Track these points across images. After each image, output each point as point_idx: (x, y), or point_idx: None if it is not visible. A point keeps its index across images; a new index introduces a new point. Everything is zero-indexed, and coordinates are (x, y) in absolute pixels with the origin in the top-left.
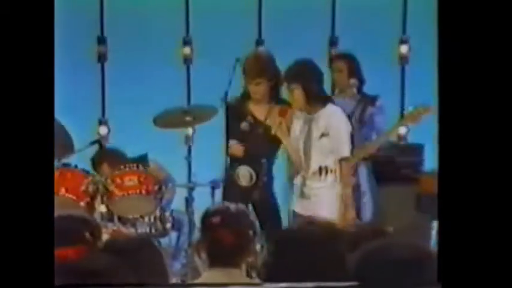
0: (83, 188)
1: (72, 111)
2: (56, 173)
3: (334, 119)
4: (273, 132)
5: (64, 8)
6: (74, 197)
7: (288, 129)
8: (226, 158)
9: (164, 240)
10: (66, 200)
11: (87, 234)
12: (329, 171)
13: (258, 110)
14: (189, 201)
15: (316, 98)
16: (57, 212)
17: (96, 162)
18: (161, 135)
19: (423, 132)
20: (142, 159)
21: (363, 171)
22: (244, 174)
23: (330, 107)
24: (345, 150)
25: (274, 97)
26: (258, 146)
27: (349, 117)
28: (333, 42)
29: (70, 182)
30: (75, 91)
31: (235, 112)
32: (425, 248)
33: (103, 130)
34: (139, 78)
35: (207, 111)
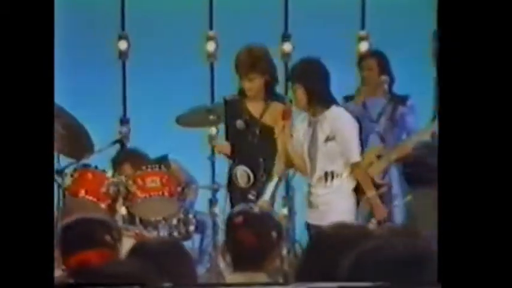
0: (103, 189)
1: (92, 110)
2: (76, 174)
3: (339, 122)
4: (276, 136)
5: (84, 4)
6: (94, 199)
7: (291, 133)
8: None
9: (187, 244)
10: (85, 202)
11: (108, 238)
12: (335, 176)
13: (254, 108)
14: (212, 202)
15: (320, 100)
16: (77, 214)
17: (117, 162)
18: (183, 134)
19: None
20: (163, 160)
21: (394, 173)
22: (242, 175)
23: (334, 109)
24: (354, 155)
25: (270, 94)
26: (254, 145)
27: (380, 116)
28: (361, 38)
29: (90, 183)
30: (95, 89)
31: (232, 110)
32: (425, 247)
33: (124, 129)
34: (161, 75)
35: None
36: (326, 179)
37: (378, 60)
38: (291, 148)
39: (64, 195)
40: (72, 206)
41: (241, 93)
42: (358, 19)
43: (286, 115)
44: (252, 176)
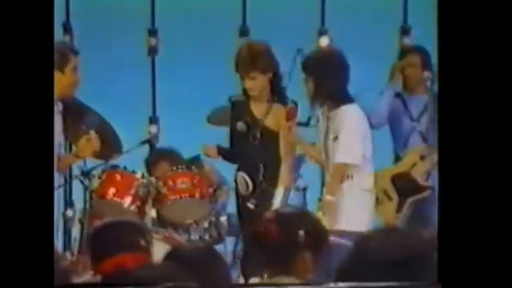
0: (132, 191)
1: (120, 108)
2: (104, 176)
3: (343, 121)
4: (282, 138)
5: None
6: (123, 201)
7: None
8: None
9: (219, 247)
10: (114, 205)
11: (141, 241)
12: (346, 178)
13: (257, 109)
14: None
15: (332, 95)
16: (107, 217)
17: (151, 163)
18: (215, 133)
19: None
20: (195, 160)
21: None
22: (241, 182)
23: (346, 107)
24: (341, 155)
25: (275, 94)
26: (254, 149)
27: (421, 114)
28: (404, 31)
29: (119, 184)
30: (123, 87)
31: (237, 111)
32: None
33: (153, 129)
34: (192, 72)
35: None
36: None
37: (421, 56)
38: (305, 147)
39: (91, 198)
40: (100, 209)
41: (245, 93)
42: (400, 13)
43: (290, 115)
44: (250, 183)
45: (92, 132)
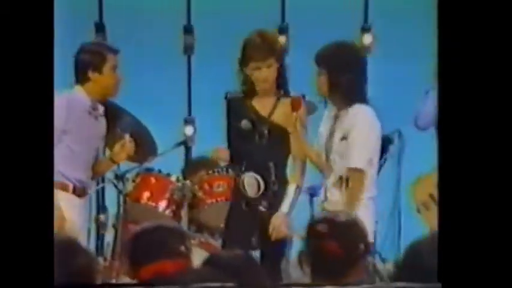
0: (167, 195)
1: (155, 109)
2: (138, 179)
3: (355, 120)
4: (290, 131)
5: None
6: (158, 205)
7: (304, 125)
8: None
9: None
10: (148, 209)
11: (182, 247)
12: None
13: (262, 105)
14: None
15: (344, 92)
16: (140, 222)
17: (192, 165)
18: None
19: None
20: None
21: None
22: (251, 183)
23: (357, 107)
24: (357, 159)
25: (281, 87)
26: (262, 148)
27: None
28: None
29: (153, 188)
30: (158, 87)
31: (236, 109)
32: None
33: (189, 130)
34: (229, 72)
35: (305, 108)
36: (341, 185)
37: None
38: (306, 145)
39: (125, 202)
40: (134, 213)
41: (246, 89)
42: None
43: (296, 105)
44: (262, 183)
45: (127, 136)
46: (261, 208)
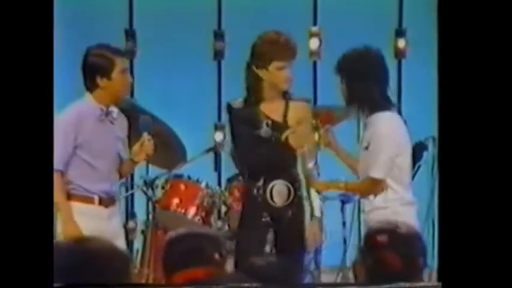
0: (197, 201)
1: (184, 115)
2: (167, 186)
3: (377, 129)
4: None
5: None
6: (187, 212)
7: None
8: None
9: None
10: (177, 216)
11: (216, 255)
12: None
13: (271, 110)
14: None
15: (368, 99)
16: (170, 229)
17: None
18: None
19: None
20: None
21: None
22: (281, 190)
23: (380, 114)
24: (377, 169)
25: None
26: (283, 155)
27: None
28: None
29: (183, 195)
30: (188, 92)
31: (242, 116)
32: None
33: (219, 136)
34: None
35: (337, 113)
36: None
37: None
38: (343, 155)
39: (154, 209)
40: (164, 220)
41: (254, 95)
42: None
43: (327, 119)
44: (292, 191)
45: (145, 134)
46: (289, 215)
